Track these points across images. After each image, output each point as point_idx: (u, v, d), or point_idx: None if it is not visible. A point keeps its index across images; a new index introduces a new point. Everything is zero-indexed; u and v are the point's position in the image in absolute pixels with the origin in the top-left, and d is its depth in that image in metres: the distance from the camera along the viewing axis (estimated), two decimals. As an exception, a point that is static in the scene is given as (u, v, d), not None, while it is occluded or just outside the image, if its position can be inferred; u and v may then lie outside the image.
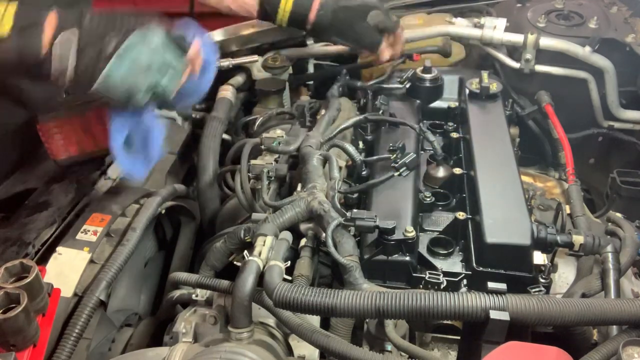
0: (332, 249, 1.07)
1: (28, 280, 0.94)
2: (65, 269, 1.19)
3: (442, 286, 1.15)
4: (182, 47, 1.14)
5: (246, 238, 1.18)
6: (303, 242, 1.18)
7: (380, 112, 1.59)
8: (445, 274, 1.17)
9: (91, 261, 1.21)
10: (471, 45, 2.08)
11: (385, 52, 1.65)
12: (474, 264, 1.17)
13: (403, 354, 1.00)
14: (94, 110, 1.40)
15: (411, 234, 1.15)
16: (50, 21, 1.05)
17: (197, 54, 1.16)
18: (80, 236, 1.26)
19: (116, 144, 1.19)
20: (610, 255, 1.14)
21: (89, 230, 1.27)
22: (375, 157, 1.41)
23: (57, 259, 1.20)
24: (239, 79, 1.96)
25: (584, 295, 1.12)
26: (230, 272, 1.17)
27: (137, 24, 1.07)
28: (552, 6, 2.01)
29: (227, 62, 1.88)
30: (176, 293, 1.22)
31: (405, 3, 2.20)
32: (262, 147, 1.50)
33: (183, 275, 1.17)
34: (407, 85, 1.65)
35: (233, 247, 1.22)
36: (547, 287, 1.15)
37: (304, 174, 1.30)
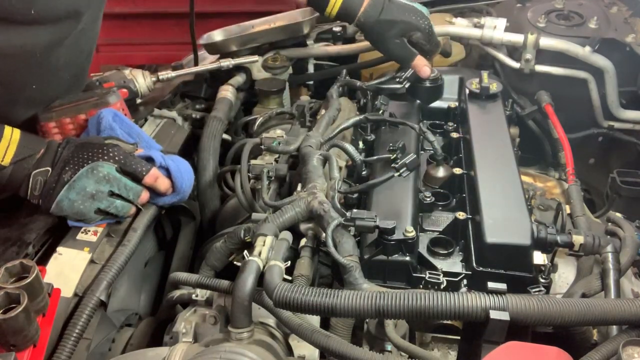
0: (332, 249, 1.07)
1: (28, 280, 0.94)
2: (66, 269, 1.18)
3: (442, 286, 1.14)
4: (136, 175, 1.27)
5: (246, 238, 1.18)
6: (303, 242, 1.18)
7: (380, 112, 1.59)
8: (445, 274, 1.17)
9: (91, 261, 1.21)
10: (471, 45, 2.09)
11: (422, 68, 1.63)
12: (474, 264, 1.17)
13: (403, 354, 1.00)
14: (94, 110, 1.41)
15: (411, 234, 1.15)
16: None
17: (154, 180, 1.29)
18: (80, 236, 1.26)
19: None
20: (610, 255, 1.14)
21: (89, 230, 1.27)
22: (375, 157, 1.41)
23: (57, 259, 1.20)
24: (239, 79, 1.96)
25: (584, 295, 1.12)
26: (230, 272, 1.17)
27: (94, 156, 1.23)
28: (552, 6, 2.02)
29: (227, 62, 1.88)
30: (176, 293, 1.22)
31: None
32: (262, 147, 1.50)
33: (183, 275, 1.17)
34: (407, 85, 1.65)
35: (233, 247, 1.22)
36: (547, 287, 1.15)
37: (304, 174, 1.30)
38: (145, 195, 1.30)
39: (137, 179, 1.28)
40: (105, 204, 1.25)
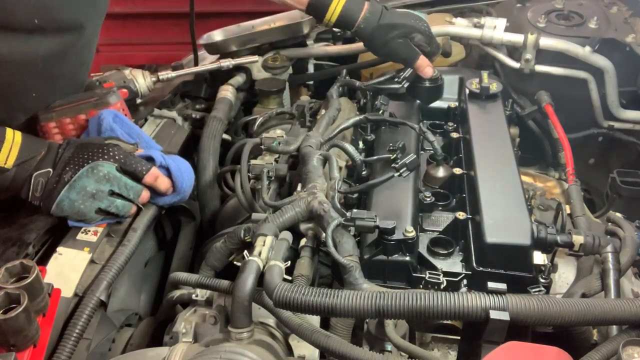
0: (332, 249, 1.07)
1: (28, 280, 0.94)
2: (66, 269, 1.18)
3: (442, 286, 1.15)
4: (136, 174, 1.27)
5: (246, 238, 1.18)
6: (303, 242, 1.18)
7: (380, 112, 1.59)
8: (445, 274, 1.17)
9: (91, 261, 1.21)
10: (471, 45, 2.09)
11: (425, 69, 1.62)
12: (474, 264, 1.17)
13: (403, 354, 1.00)
14: (94, 110, 1.41)
15: (411, 234, 1.15)
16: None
17: (154, 180, 1.29)
18: (80, 236, 1.26)
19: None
20: (610, 255, 1.14)
21: (89, 230, 1.27)
22: (375, 157, 1.41)
23: (58, 259, 1.20)
24: (239, 79, 1.97)
25: (584, 295, 1.12)
26: (230, 272, 1.17)
27: (94, 156, 1.23)
28: (552, 6, 2.02)
29: (227, 62, 1.88)
30: (176, 293, 1.22)
31: (405, 3, 2.20)
32: (262, 147, 1.50)
33: (183, 275, 1.17)
34: (406, 85, 1.65)
35: (233, 247, 1.22)
36: (547, 287, 1.15)
37: (304, 174, 1.30)
38: (145, 195, 1.30)
39: (137, 178, 1.28)
40: (106, 204, 1.25)
